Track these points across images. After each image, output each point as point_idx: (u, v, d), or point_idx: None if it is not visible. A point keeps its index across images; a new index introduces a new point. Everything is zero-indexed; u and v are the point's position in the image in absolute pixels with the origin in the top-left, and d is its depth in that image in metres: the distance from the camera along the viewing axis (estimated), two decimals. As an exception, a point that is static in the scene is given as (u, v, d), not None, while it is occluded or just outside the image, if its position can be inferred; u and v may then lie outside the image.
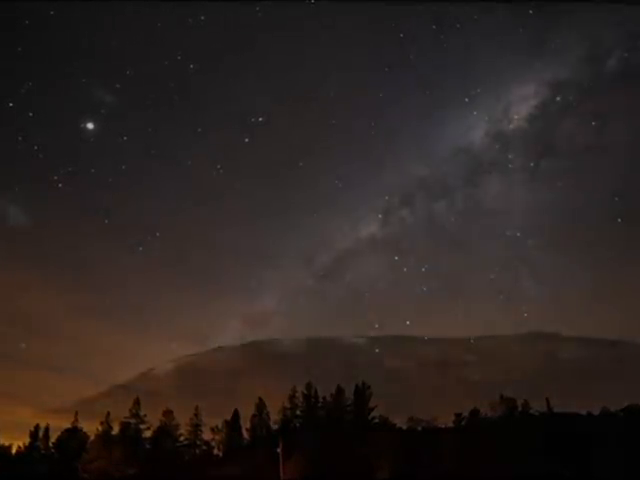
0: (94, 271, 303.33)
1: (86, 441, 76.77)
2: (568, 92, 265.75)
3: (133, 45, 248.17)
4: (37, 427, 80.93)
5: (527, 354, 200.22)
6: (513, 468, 50.82)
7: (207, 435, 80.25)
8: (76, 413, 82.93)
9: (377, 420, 77.01)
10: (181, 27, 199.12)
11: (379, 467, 59.48)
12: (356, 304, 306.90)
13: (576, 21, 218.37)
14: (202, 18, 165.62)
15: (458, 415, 75.32)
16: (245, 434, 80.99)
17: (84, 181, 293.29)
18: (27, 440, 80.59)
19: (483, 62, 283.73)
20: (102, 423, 76.45)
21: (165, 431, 77.02)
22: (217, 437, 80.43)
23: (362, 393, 78.84)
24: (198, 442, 79.63)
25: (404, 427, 73.60)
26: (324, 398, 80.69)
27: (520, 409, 74.23)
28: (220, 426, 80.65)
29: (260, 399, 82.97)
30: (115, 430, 75.89)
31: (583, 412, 70.17)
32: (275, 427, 79.61)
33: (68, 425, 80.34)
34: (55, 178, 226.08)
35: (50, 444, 79.75)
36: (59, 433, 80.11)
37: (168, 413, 78.59)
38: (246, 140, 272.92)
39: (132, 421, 76.88)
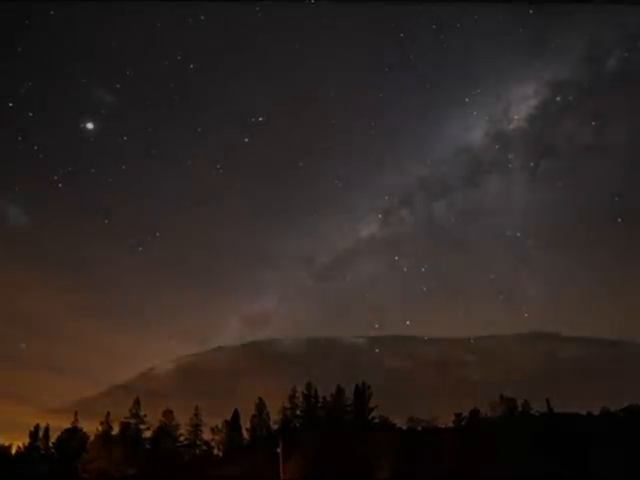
0: (94, 271, 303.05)
1: (86, 441, 76.77)
2: (568, 92, 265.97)
3: (133, 45, 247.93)
4: (37, 427, 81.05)
5: (527, 354, 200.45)
6: (513, 468, 50.89)
7: (207, 435, 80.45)
8: (76, 413, 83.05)
9: (377, 420, 77.04)
10: (181, 27, 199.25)
11: (379, 467, 59.53)
12: (356, 304, 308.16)
13: (576, 21, 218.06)
14: (202, 18, 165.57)
15: (458, 415, 75.36)
16: (245, 434, 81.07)
17: (84, 181, 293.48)
18: (27, 440, 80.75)
19: (483, 62, 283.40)
20: (102, 423, 76.53)
21: (165, 431, 77.05)
22: (217, 437, 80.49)
23: (362, 393, 78.86)
24: (198, 442, 79.64)
25: (404, 427, 73.71)
26: (324, 398, 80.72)
27: (520, 409, 74.23)
28: (220, 426, 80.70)
29: (260, 399, 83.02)
30: (115, 430, 76.01)
31: (583, 412, 70.25)
32: (275, 427, 79.66)
33: (68, 425, 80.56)
34: (55, 178, 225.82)
35: (50, 444, 79.81)
36: (59, 433, 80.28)
37: (168, 413, 78.60)
38: (246, 140, 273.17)
39: (132, 421, 76.95)
